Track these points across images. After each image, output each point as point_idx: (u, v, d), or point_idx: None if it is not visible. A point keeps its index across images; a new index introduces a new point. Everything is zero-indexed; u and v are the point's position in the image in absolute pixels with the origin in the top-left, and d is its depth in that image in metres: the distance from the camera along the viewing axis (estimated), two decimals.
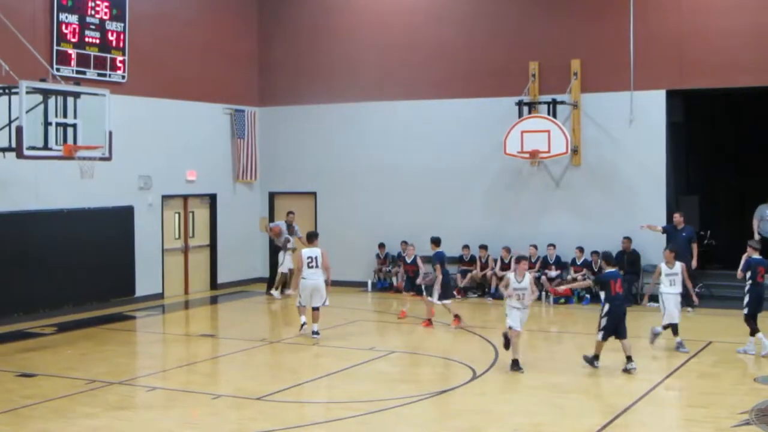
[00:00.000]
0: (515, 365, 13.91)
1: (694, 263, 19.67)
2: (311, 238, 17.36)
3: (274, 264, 22.81)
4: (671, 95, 21.06)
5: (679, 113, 21.40)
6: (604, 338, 13.99)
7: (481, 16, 22.68)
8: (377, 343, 17.07)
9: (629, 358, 13.84)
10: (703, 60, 20.53)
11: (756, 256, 15.36)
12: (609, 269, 14.28)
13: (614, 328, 13.94)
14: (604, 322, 13.98)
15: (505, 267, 21.79)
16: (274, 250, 22.71)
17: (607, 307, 13.99)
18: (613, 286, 13.99)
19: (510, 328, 14.01)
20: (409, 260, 19.24)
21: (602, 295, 14.37)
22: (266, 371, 15.03)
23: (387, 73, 23.59)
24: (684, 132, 22.11)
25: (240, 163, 24.20)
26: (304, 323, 17.19)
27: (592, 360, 14.11)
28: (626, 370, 13.77)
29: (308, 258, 16.86)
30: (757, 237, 20.49)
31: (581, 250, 21.12)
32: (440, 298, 18.00)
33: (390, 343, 17.12)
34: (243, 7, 24.68)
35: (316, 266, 16.82)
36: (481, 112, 22.41)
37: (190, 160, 22.86)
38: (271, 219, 25.07)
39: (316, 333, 16.93)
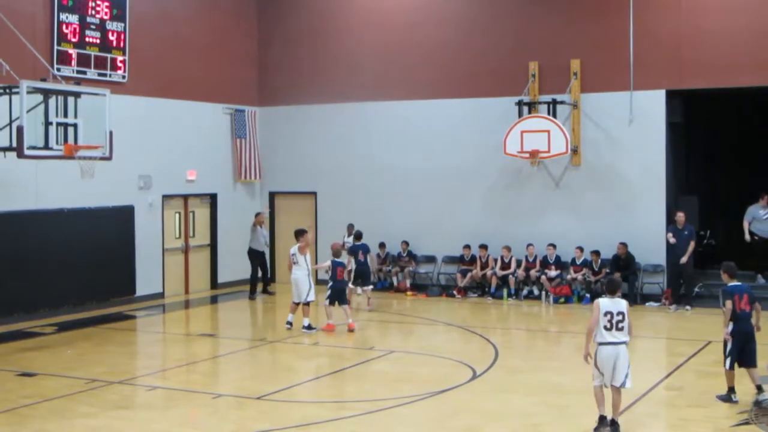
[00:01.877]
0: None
1: (684, 259, 19.71)
2: (296, 235, 18.11)
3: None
4: (671, 95, 21.06)
5: (679, 113, 21.41)
6: (732, 366, 12.00)
7: (480, 16, 22.68)
8: (377, 342, 17.09)
9: (759, 388, 12.05)
10: (703, 60, 20.53)
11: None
12: (732, 282, 12.19)
13: (740, 351, 11.94)
14: (729, 346, 12.01)
15: (505, 266, 21.83)
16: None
17: (730, 326, 11.95)
18: (737, 302, 11.93)
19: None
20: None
21: (724, 311, 12.15)
22: (266, 371, 15.05)
23: (387, 73, 23.60)
24: (684, 132, 22.12)
25: (241, 163, 24.23)
26: (289, 322, 17.66)
27: (729, 396, 11.97)
28: (757, 403, 11.73)
29: (291, 255, 17.85)
30: (747, 238, 20.60)
31: (581, 249, 21.15)
32: (361, 285, 20.69)
33: (390, 342, 17.13)
34: (243, 7, 24.70)
35: (297, 262, 17.65)
36: (481, 112, 22.42)
37: (190, 160, 22.88)
38: (272, 218, 25.08)
39: (307, 328, 17.40)
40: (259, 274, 22.76)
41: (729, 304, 11.93)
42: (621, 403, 10.85)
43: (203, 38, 23.27)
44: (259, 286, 22.76)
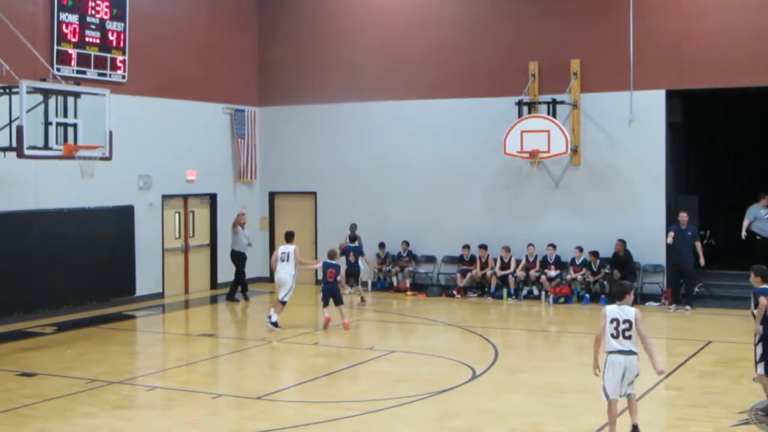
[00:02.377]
0: None
1: (702, 261, 19.76)
2: (287, 237, 18.63)
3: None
4: (671, 95, 21.06)
5: (679, 113, 21.42)
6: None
7: (480, 16, 22.69)
8: (377, 342, 17.09)
9: None
10: (703, 60, 20.54)
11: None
12: (763, 285, 11.47)
13: None
14: (760, 350, 11.25)
15: (505, 266, 21.84)
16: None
17: (761, 330, 11.23)
18: None
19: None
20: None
21: (755, 314, 11.52)
22: (266, 371, 15.05)
23: (387, 73, 23.60)
24: (683, 132, 22.13)
25: (240, 163, 24.24)
26: (274, 320, 17.82)
27: None
28: None
29: (282, 253, 18.05)
30: (743, 235, 20.60)
31: (580, 249, 21.15)
32: (353, 284, 21.83)
33: (390, 342, 17.13)
34: (243, 7, 24.71)
35: (287, 260, 17.92)
36: (481, 112, 22.42)
37: (190, 160, 22.89)
38: (272, 218, 25.09)
39: (273, 323, 17.69)
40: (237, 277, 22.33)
41: (764, 300, 11.26)
42: (637, 406, 10.43)
43: (203, 38, 23.28)
44: (230, 289, 22.32)
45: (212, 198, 23.80)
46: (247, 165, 24.41)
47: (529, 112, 21.44)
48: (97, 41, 20.18)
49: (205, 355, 16.16)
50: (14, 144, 15.74)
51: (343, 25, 24.21)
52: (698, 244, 19.88)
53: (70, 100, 16.42)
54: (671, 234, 19.84)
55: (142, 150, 21.26)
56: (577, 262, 21.21)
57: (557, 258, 21.49)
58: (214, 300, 22.54)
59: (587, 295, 20.97)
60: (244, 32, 24.72)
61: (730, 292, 20.35)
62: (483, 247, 22.12)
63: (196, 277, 23.36)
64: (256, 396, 12.64)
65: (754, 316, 11.64)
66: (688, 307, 19.79)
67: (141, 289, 20.92)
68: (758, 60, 20.07)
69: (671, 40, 20.79)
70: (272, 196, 25.22)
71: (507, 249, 21.80)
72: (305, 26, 24.58)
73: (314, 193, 24.62)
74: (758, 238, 20.71)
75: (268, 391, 12.92)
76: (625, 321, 10.10)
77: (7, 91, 16.23)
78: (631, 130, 21.18)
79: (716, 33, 20.45)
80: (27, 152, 15.64)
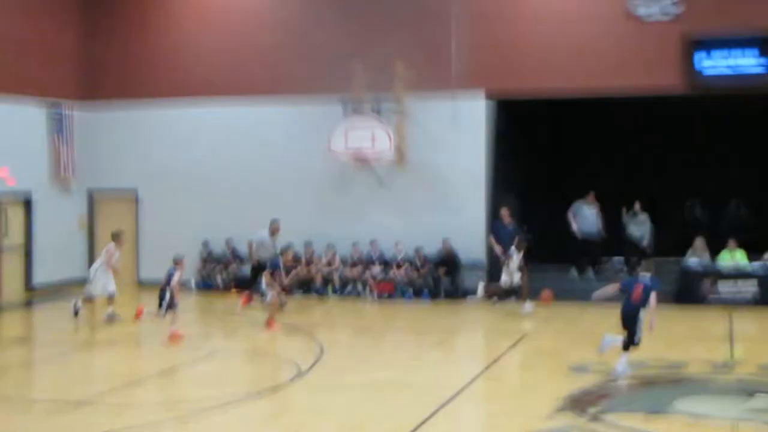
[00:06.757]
0: None
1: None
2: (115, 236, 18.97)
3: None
4: (492, 100, 21.70)
5: (500, 118, 22.06)
6: None
7: (305, 17, 22.71)
8: (199, 343, 16.80)
9: None
10: (523, 68, 21.34)
11: None
12: None
13: None
14: None
15: (328, 263, 21.94)
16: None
17: None
18: None
19: None
20: None
21: None
22: (86, 374, 14.57)
23: (214, 71, 23.24)
24: (504, 136, 22.73)
25: (60, 162, 23.34)
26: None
27: None
28: None
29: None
30: (574, 227, 21.43)
31: (402, 246, 21.51)
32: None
33: (212, 343, 16.90)
34: (64, 1, 23.80)
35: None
36: (307, 112, 22.42)
37: (2, 158, 21.82)
38: (91, 219, 24.30)
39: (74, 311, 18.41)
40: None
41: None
42: None
43: (20, 32, 22.20)
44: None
45: (27, 198, 22.78)
46: (67, 163, 23.52)
47: (355, 113, 21.57)
48: None
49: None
50: None
51: (168, 24, 23.75)
52: (517, 238, 20.53)
53: None
54: (498, 247, 20.30)
55: None
56: (398, 258, 21.57)
57: (381, 255, 21.76)
58: (29, 304, 21.60)
59: (410, 290, 21.32)
60: (64, 27, 23.77)
61: (546, 284, 21.02)
62: (308, 245, 22.12)
63: (9, 280, 22.28)
64: (74, 399, 12.12)
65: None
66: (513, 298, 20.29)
67: None
68: (576, 69, 20.97)
69: (493, 48, 21.42)
70: (91, 194, 24.40)
71: (331, 248, 21.95)
72: (130, 23, 23.94)
73: (135, 194, 23.95)
74: (578, 236, 21.56)
75: (88, 395, 12.41)
76: None
77: None
78: (454, 133, 21.63)
79: (537, 42, 21.30)
80: None
